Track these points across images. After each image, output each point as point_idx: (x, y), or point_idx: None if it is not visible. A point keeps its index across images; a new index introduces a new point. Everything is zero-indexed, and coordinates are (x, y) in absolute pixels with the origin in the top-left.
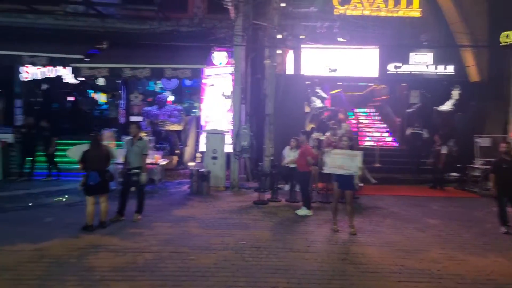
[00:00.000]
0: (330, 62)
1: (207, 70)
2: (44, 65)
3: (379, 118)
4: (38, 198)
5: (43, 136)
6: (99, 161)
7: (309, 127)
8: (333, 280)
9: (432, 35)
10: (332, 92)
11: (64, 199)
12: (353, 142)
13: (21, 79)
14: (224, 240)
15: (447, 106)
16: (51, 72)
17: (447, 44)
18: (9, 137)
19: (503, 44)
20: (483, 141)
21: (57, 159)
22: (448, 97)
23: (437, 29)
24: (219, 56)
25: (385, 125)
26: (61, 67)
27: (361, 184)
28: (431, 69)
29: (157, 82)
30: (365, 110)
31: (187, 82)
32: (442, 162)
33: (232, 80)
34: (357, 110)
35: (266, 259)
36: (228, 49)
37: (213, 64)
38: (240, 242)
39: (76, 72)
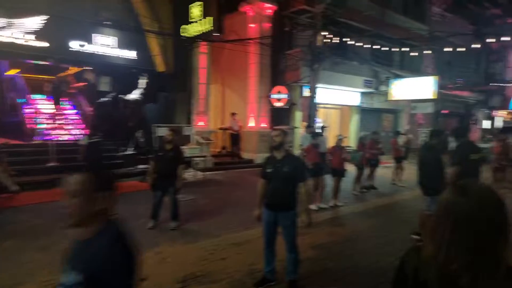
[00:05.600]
0: None
1: None
2: None
3: (71, 107)
4: None
5: None
6: None
7: None
8: None
9: (116, 15)
10: (8, 73)
11: None
12: None
13: None
14: None
15: (134, 95)
16: None
17: (132, 28)
18: None
19: (183, 36)
20: (162, 131)
21: None
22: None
23: (121, 9)
24: None
25: (77, 116)
26: None
27: None
28: (116, 53)
29: None
30: (44, 96)
31: None
32: (81, 155)
33: None
34: (34, 96)
35: None
36: None
37: None
38: None
39: None
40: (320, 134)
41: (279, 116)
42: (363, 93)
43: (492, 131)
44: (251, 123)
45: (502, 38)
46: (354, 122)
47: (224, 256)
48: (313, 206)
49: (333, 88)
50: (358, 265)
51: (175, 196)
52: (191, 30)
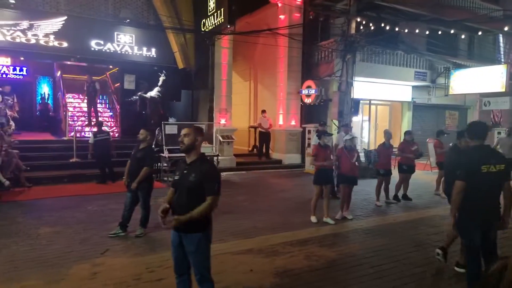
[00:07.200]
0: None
1: None
2: None
3: (105, 106)
4: None
5: None
6: None
7: None
8: None
9: (135, 13)
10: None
11: None
12: None
13: None
14: None
15: (153, 92)
16: None
17: (151, 25)
18: None
19: (203, 31)
20: (171, 129)
21: None
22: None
23: (140, 7)
24: None
25: (111, 115)
26: None
27: None
28: (137, 51)
29: None
30: (77, 96)
31: None
32: (90, 153)
33: None
34: (70, 96)
35: None
36: None
37: None
38: None
39: None
40: (329, 134)
41: (312, 113)
42: (415, 87)
43: None
44: (281, 121)
45: None
46: (407, 120)
47: (164, 276)
48: (313, 219)
49: (377, 82)
50: None
51: (144, 200)
52: (208, 23)
